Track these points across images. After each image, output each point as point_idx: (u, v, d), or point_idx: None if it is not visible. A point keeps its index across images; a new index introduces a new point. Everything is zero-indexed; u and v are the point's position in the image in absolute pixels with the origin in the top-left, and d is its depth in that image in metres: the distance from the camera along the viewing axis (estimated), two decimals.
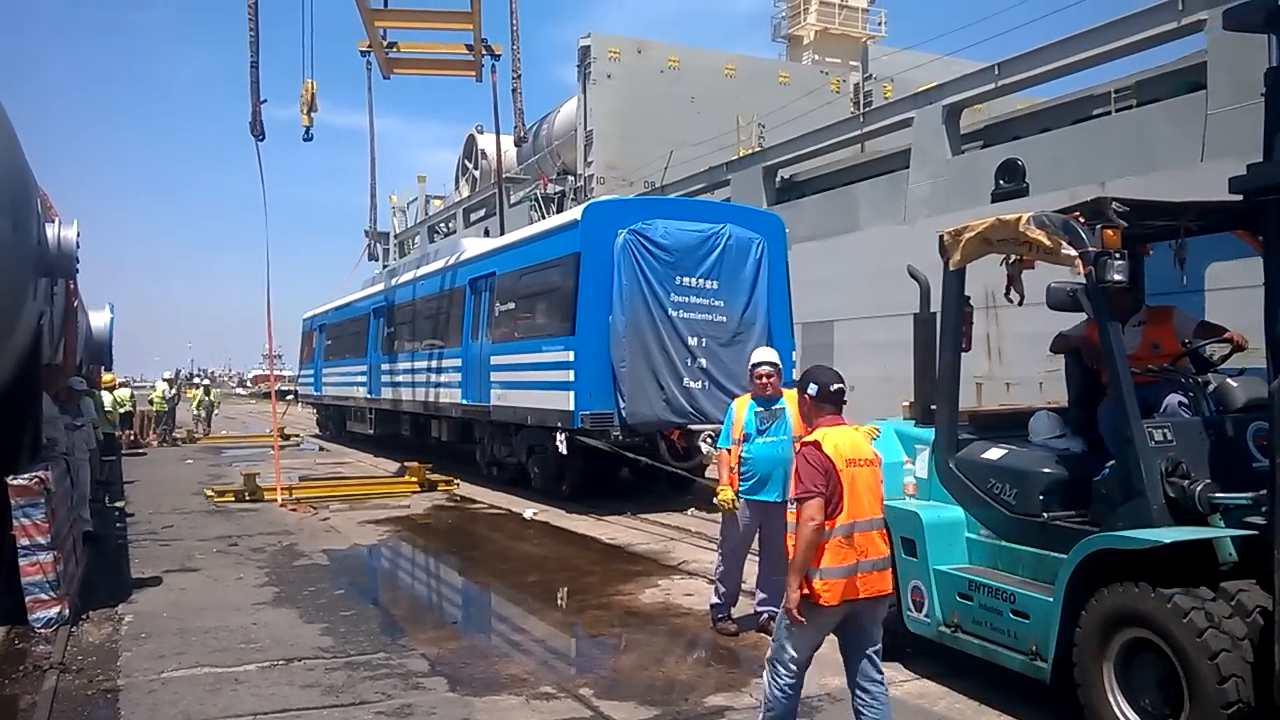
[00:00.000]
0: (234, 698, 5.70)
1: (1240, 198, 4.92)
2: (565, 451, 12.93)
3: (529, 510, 13.21)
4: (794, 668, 4.37)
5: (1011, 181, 15.94)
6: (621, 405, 12.40)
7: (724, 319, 12.83)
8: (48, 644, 6.87)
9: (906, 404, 6.55)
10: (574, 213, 13.85)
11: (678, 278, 12.63)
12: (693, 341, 12.60)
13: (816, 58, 37.35)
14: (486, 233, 26.54)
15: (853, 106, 26.36)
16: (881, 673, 4.43)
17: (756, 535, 7.07)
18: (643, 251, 12.50)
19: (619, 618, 7.70)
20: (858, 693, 4.40)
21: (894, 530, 5.82)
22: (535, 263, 14.29)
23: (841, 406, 4.62)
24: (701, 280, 12.75)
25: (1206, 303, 12.19)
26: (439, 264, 18.95)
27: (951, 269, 5.84)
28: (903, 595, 5.91)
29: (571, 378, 12.57)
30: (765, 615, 6.81)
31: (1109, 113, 16.74)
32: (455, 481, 16.20)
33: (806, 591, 4.19)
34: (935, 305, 6.34)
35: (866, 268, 18.43)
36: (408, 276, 20.91)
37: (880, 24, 40.23)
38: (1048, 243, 4.89)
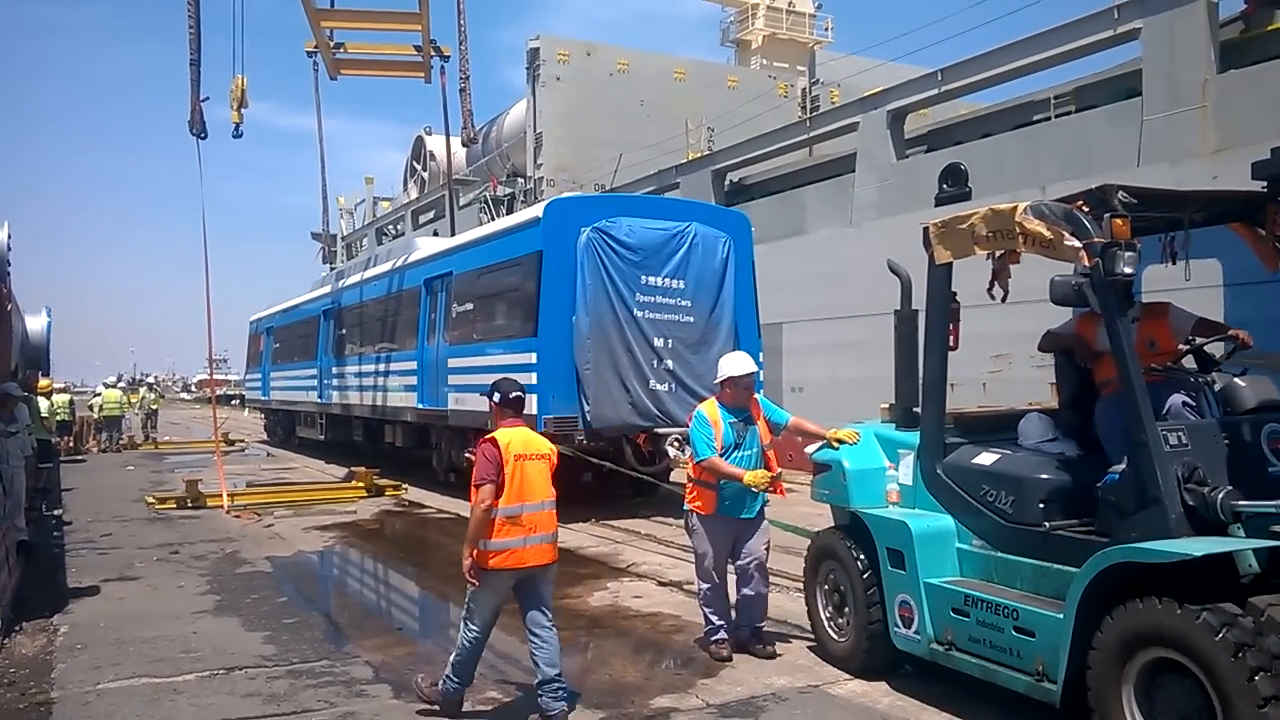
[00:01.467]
0: (172, 708, 5.59)
1: (1262, 185, 4.87)
2: None
3: None
4: (479, 622, 5.29)
5: (955, 185, 15.96)
6: (586, 409, 12.06)
7: (691, 319, 12.54)
8: None
9: (885, 405, 6.28)
10: (535, 210, 13.43)
11: (643, 277, 12.31)
12: (659, 343, 12.32)
13: (765, 62, 37.57)
14: (435, 234, 26.29)
15: (800, 111, 26.58)
16: (550, 620, 5.42)
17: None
18: (607, 250, 12.16)
19: (566, 620, 7.61)
20: (530, 637, 5.36)
21: (879, 540, 5.69)
22: (494, 262, 13.90)
23: (520, 410, 5.59)
24: (667, 280, 12.45)
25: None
26: (392, 264, 18.46)
27: (937, 263, 5.51)
28: (889, 611, 5.63)
29: (534, 380, 12.08)
30: (746, 631, 6.52)
31: (1049, 118, 17.05)
32: (403, 486, 16.06)
33: (480, 559, 5.16)
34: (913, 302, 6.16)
35: (814, 270, 18.61)
36: (359, 277, 20.32)
37: (827, 29, 40.63)
38: (1047, 234, 4.62)
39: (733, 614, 6.55)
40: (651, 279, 12.34)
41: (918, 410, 5.91)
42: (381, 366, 17.77)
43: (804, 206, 20.84)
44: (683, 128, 26.84)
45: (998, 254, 5.23)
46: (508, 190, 30.59)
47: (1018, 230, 4.80)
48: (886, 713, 5.38)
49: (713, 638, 6.48)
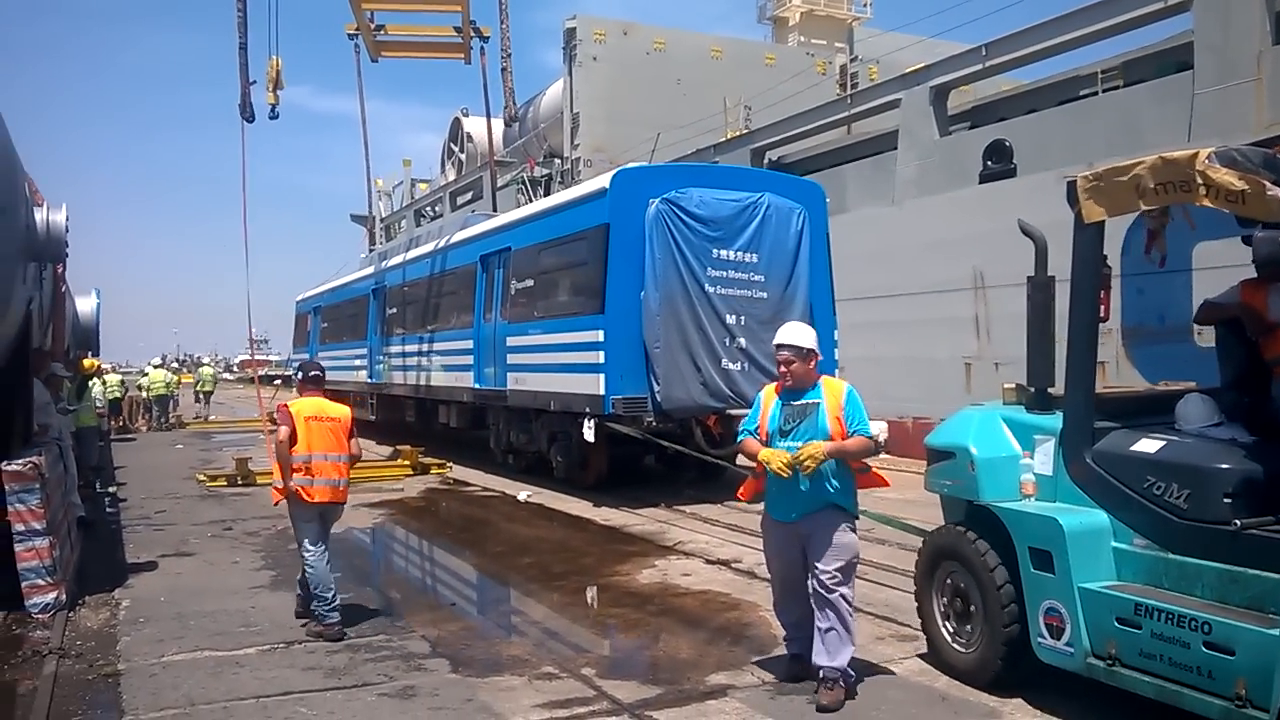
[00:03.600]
0: (236, 681, 5.71)
1: None
2: (591, 439, 12.05)
3: (523, 493, 13.23)
4: (310, 544, 6.71)
5: (999, 162, 16.00)
6: (655, 389, 11.55)
7: (764, 295, 11.94)
8: (45, 629, 6.87)
9: (1011, 386, 5.51)
10: (601, 180, 12.72)
11: (714, 250, 11.74)
12: (731, 320, 11.75)
13: (802, 39, 37.24)
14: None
15: (839, 88, 26.34)
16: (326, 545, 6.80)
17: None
18: (677, 222, 11.61)
19: (617, 598, 7.74)
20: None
21: (1019, 539, 5.00)
22: (557, 236, 13.38)
23: (318, 385, 7.04)
24: (740, 253, 11.88)
25: (1194, 282, 12.35)
26: (444, 240, 18.12)
27: (1087, 222, 4.85)
28: (1031, 619, 4.93)
29: (600, 359, 11.68)
30: (836, 676, 5.15)
31: (1096, 93, 16.77)
32: (448, 465, 16.21)
33: (296, 491, 6.62)
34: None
35: (855, 250, 18.46)
36: (409, 255, 19.92)
37: (866, 5, 40.16)
38: (1239, 185, 3.98)
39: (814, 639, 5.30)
40: (723, 253, 11.82)
41: (1052, 391, 5.26)
42: (435, 346, 17.39)
43: (844, 185, 20.66)
44: (720, 107, 26.67)
45: (1155, 212, 4.74)
46: (544, 171, 30.59)
47: (1199, 181, 4.15)
48: (945, 690, 5.37)
49: (794, 662, 5.57)
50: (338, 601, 6.70)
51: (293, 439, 6.62)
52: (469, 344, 15.70)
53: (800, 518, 5.21)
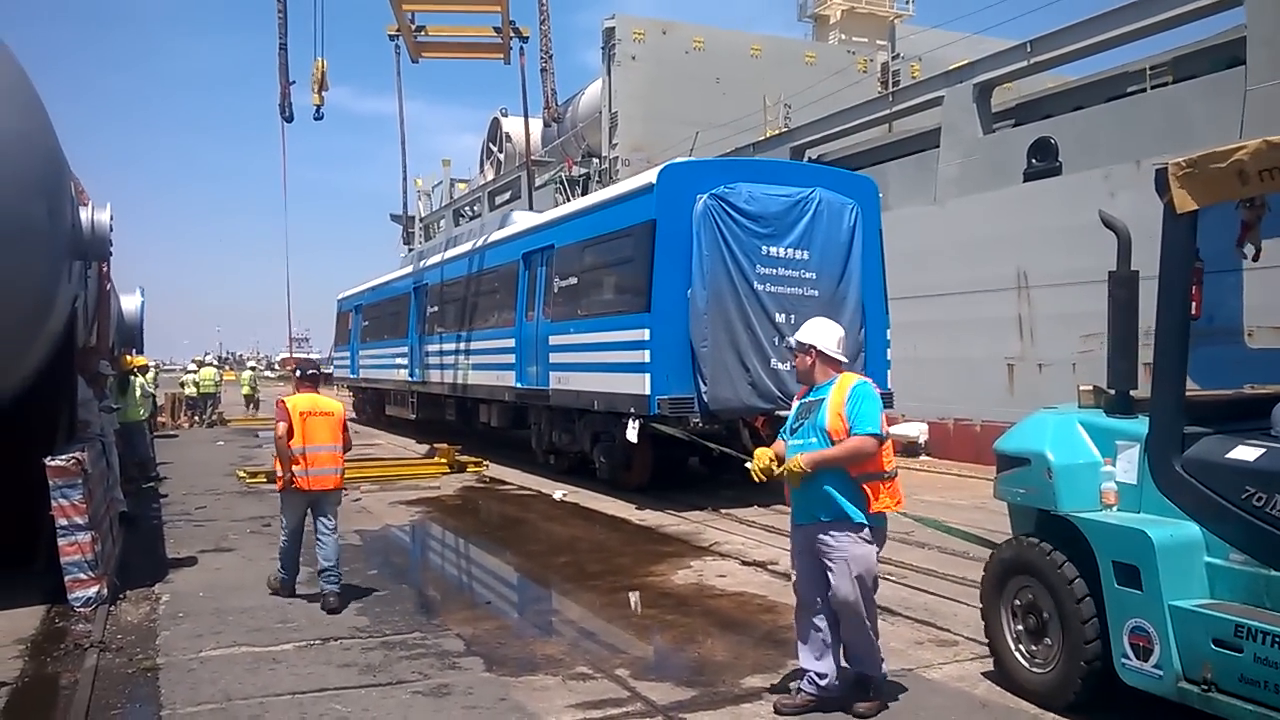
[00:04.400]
0: (272, 677, 5.74)
1: None
2: (635, 439, 11.84)
3: (558, 492, 13.22)
4: (289, 527, 7.55)
5: (1044, 160, 15.74)
6: (703, 389, 11.24)
7: (815, 293, 11.57)
8: (87, 623, 6.94)
9: (1089, 388, 5.21)
10: (648, 176, 12.36)
11: (764, 247, 11.42)
12: (781, 318, 11.36)
13: (843, 37, 36.91)
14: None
15: (880, 86, 26.06)
16: (330, 530, 7.46)
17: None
18: (725, 218, 11.30)
19: (653, 599, 7.69)
20: (317, 539, 7.43)
21: (1102, 553, 4.66)
22: (602, 233, 13.11)
23: (315, 384, 7.87)
24: (790, 250, 11.54)
25: (1245, 282, 12.06)
26: (486, 238, 18.00)
27: (1179, 212, 4.56)
28: (1114, 639, 4.62)
29: (646, 359, 11.42)
30: (851, 674, 5.11)
31: (1144, 89, 16.43)
32: (484, 463, 16.25)
33: (285, 482, 7.37)
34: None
35: (896, 248, 18.25)
36: (451, 252, 19.81)
37: (908, 2, 39.72)
38: None
39: (838, 665, 5.14)
40: (773, 249, 11.48)
41: (1135, 394, 4.94)
42: (476, 344, 17.28)
43: (885, 183, 20.41)
44: (759, 105, 26.52)
45: (1251, 203, 4.54)
46: (583, 170, 30.62)
47: None
48: (984, 697, 5.26)
49: (796, 680, 5.25)
50: (298, 575, 7.75)
51: (290, 433, 7.30)
52: (511, 342, 15.53)
53: (810, 523, 5.03)
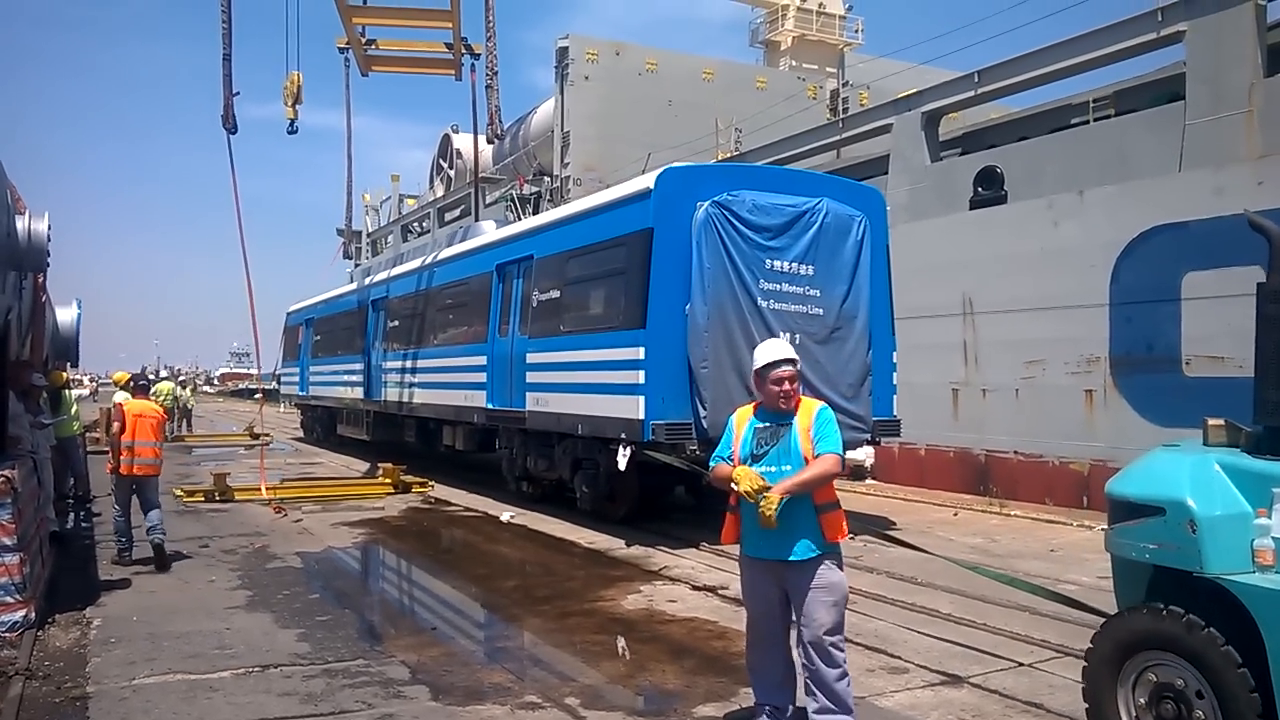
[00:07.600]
0: (209, 706, 5.53)
1: None
2: (624, 468, 10.87)
3: (505, 514, 13.05)
4: (120, 504, 9.71)
5: (990, 189, 15.99)
6: (702, 413, 10.33)
7: (820, 311, 10.92)
8: (13, 649, 6.67)
9: (1218, 422, 4.41)
10: (645, 180, 11.45)
11: (768, 260, 10.67)
12: (784, 338, 10.16)
13: (794, 64, 37.34)
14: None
15: (829, 112, 26.39)
16: (153, 502, 9.74)
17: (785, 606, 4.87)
18: (728, 228, 10.52)
19: (602, 624, 7.58)
20: (144, 513, 9.62)
21: (1265, 624, 3.83)
22: (590, 242, 12.16)
23: (147, 392, 10.79)
24: (795, 265, 10.83)
25: (1183, 312, 12.31)
26: (455, 249, 17.11)
27: None
28: None
29: (640, 379, 10.53)
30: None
31: (1087, 122, 16.80)
32: (430, 483, 16.01)
33: (121, 467, 9.56)
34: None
35: None
36: (415, 263, 18.81)
37: (857, 31, 40.32)
38: None
39: (795, 695, 4.92)
40: (778, 263, 10.74)
41: None
42: (441, 361, 16.37)
43: None
44: (711, 128, 26.69)
45: None
46: (534, 189, 30.54)
47: None
48: None
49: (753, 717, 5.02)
50: (132, 542, 9.69)
51: (123, 430, 9.48)
52: (482, 360, 14.62)
53: (777, 558, 4.72)
